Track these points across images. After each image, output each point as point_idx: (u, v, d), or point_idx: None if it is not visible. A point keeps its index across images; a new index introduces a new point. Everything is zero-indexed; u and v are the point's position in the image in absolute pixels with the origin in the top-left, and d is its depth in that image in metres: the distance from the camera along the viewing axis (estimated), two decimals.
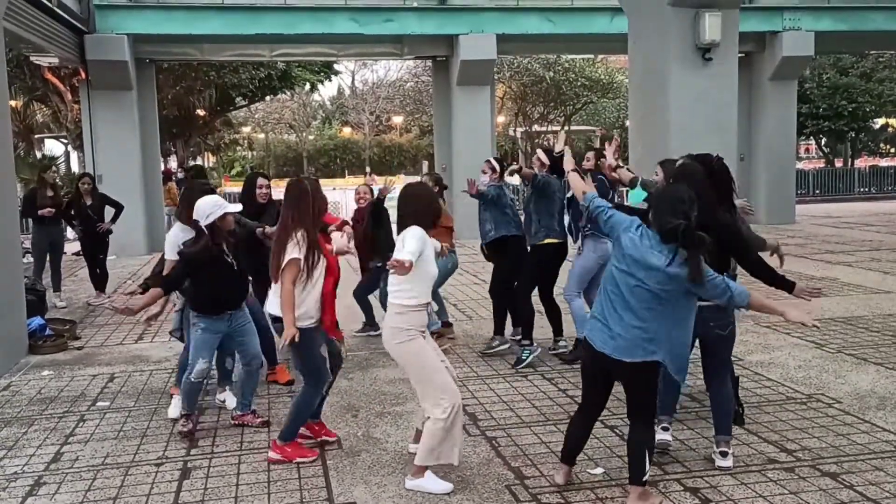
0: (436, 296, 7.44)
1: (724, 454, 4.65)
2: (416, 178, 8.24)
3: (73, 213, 10.58)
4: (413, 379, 4.55)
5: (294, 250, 4.65)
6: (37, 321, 8.37)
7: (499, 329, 7.43)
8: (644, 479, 4.07)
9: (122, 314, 5.55)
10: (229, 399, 5.97)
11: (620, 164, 6.72)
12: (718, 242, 4.12)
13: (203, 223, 5.15)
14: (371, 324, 8.19)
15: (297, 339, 4.58)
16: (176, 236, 5.57)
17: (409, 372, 4.55)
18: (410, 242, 4.30)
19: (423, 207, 4.55)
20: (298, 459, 4.90)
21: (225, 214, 5.21)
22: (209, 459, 5.02)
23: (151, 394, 6.46)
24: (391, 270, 4.23)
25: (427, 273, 4.46)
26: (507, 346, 7.35)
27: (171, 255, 5.59)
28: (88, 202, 10.46)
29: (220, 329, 5.35)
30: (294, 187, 4.88)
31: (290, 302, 4.63)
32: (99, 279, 10.77)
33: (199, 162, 40.12)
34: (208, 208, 5.16)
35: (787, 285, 4.56)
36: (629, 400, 4.16)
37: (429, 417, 4.40)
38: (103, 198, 10.74)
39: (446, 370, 4.50)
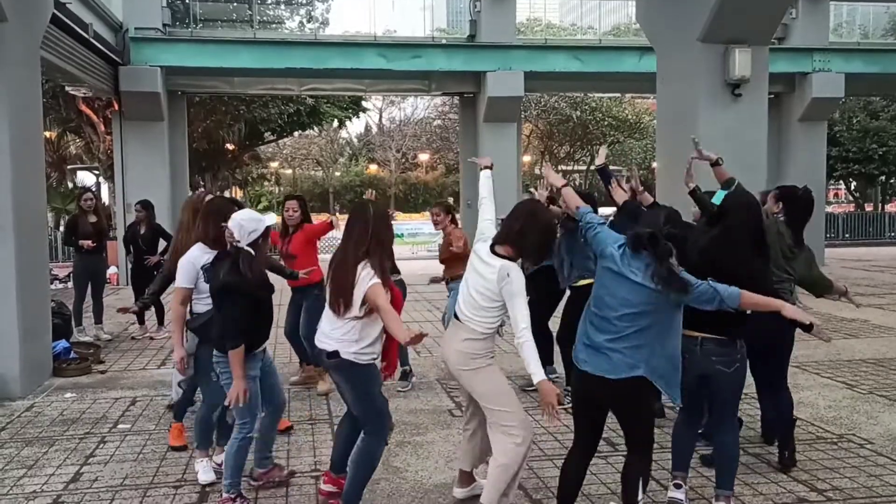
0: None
1: None
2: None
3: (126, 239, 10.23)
4: (489, 405, 4.21)
5: (374, 277, 4.03)
6: (62, 344, 8.41)
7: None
8: None
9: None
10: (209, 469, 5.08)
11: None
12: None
13: (244, 243, 4.28)
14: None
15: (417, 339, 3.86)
16: (196, 259, 4.81)
17: (485, 398, 4.22)
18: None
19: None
20: None
21: (268, 229, 4.41)
22: None
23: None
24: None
25: None
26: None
27: (187, 282, 4.86)
28: (142, 231, 10.10)
29: (259, 370, 4.53)
30: (359, 214, 4.27)
31: (397, 319, 3.98)
32: (156, 312, 10.17)
33: (227, 196, 40.44)
34: (250, 225, 4.32)
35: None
36: (623, 429, 3.99)
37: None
38: (157, 229, 10.22)
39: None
